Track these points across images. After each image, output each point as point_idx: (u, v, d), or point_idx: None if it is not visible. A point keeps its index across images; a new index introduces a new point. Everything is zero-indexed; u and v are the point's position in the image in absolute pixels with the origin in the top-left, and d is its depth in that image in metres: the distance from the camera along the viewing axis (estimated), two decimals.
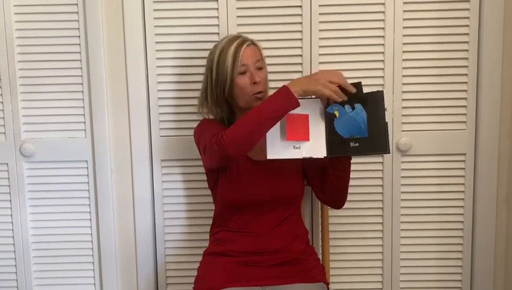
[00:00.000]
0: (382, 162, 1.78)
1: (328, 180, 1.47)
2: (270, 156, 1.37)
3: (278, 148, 1.37)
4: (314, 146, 1.38)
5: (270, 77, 1.69)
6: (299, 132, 1.37)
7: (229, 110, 1.52)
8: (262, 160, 1.48)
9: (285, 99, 1.30)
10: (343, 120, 1.37)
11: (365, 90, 1.37)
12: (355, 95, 1.36)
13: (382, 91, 1.34)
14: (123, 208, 1.83)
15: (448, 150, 1.77)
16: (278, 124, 1.34)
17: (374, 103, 1.34)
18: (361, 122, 1.35)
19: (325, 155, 1.38)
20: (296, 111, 1.35)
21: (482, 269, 1.80)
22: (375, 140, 1.33)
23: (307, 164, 1.52)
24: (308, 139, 1.38)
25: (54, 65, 1.77)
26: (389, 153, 1.34)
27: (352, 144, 1.36)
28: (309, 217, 1.80)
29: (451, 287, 1.84)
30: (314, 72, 1.38)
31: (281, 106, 1.29)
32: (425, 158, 1.78)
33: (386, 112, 1.33)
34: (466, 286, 1.83)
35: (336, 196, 1.50)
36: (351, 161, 1.45)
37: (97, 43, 1.74)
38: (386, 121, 1.33)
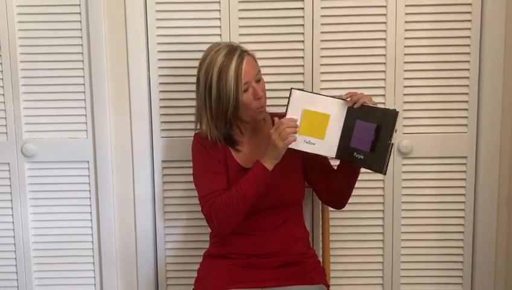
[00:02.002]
0: None
1: (335, 181, 1.46)
2: None
3: None
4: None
5: (272, 79, 1.70)
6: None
7: (226, 125, 1.45)
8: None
9: (265, 180, 1.37)
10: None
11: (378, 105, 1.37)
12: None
13: (397, 112, 1.30)
14: (124, 209, 1.83)
15: (449, 153, 1.77)
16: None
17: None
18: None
19: (334, 156, 1.38)
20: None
21: (483, 272, 1.80)
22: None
23: (310, 165, 1.52)
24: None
25: (55, 66, 1.77)
26: (384, 174, 1.33)
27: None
28: (309, 219, 1.80)
29: None
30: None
31: (262, 186, 1.37)
32: (427, 161, 1.78)
33: (395, 134, 1.29)
34: (467, 287, 1.82)
35: (340, 197, 1.49)
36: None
37: (99, 44, 1.75)
38: (392, 142, 1.29)
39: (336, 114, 1.37)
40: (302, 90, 1.41)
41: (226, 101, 1.37)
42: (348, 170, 1.43)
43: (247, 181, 1.37)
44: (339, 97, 1.39)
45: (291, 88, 1.39)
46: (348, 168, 1.42)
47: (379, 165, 1.30)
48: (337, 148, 1.38)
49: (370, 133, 1.32)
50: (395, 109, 1.31)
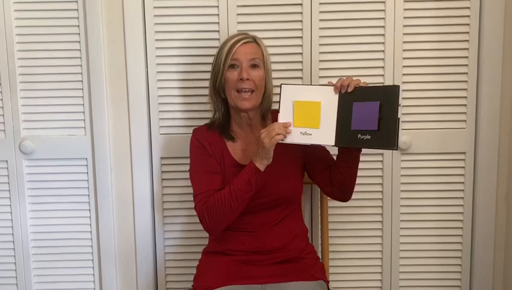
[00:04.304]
0: (382, 161, 1.78)
1: (337, 172, 1.44)
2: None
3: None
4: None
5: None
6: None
7: (224, 106, 1.51)
8: None
9: (257, 180, 1.37)
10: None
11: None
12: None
13: (398, 86, 1.30)
14: (123, 206, 1.83)
15: (448, 149, 1.77)
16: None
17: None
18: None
19: (333, 144, 1.36)
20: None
21: (481, 266, 1.80)
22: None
23: (311, 160, 1.51)
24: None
25: (53, 62, 1.77)
26: (396, 149, 1.31)
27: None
28: (308, 216, 1.80)
29: (450, 285, 1.84)
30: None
31: (255, 186, 1.38)
32: (425, 157, 1.78)
33: (400, 108, 1.29)
34: (465, 282, 1.83)
35: (344, 189, 1.47)
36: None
37: (97, 41, 1.74)
38: (398, 117, 1.29)
39: (327, 101, 1.36)
40: (292, 84, 1.42)
41: (215, 72, 1.46)
42: (348, 158, 1.41)
43: (240, 182, 1.38)
44: (328, 84, 1.38)
45: (281, 84, 1.40)
46: (347, 155, 1.41)
47: (390, 141, 1.29)
48: (336, 135, 1.35)
49: (374, 111, 1.30)
50: (395, 84, 1.30)
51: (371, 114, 1.31)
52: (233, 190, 1.38)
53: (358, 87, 1.34)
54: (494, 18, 1.69)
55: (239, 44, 1.43)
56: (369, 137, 1.31)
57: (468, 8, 1.70)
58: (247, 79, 1.41)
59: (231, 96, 1.45)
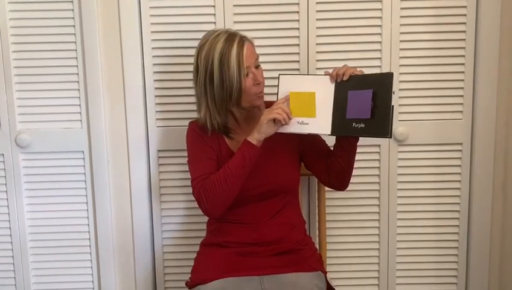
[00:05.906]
0: (379, 152, 1.78)
1: (334, 160, 1.44)
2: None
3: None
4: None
5: (267, 67, 1.68)
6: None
7: (227, 112, 1.46)
8: None
9: (250, 154, 1.37)
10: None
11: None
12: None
13: (392, 73, 1.28)
14: (120, 199, 1.83)
15: (445, 140, 1.77)
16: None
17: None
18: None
19: (329, 133, 1.37)
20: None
21: (478, 256, 1.81)
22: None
23: (307, 150, 1.51)
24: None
25: (49, 55, 1.75)
26: (390, 137, 1.30)
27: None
28: (306, 207, 1.81)
29: (447, 275, 1.86)
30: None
31: (248, 161, 1.37)
32: (422, 148, 1.78)
33: (393, 96, 1.28)
34: (462, 271, 1.85)
35: (341, 177, 1.47)
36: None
37: (92, 33, 1.73)
38: (392, 104, 1.28)
39: (322, 91, 1.37)
40: (289, 74, 1.42)
41: (229, 87, 1.38)
42: (345, 146, 1.41)
43: (233, 159, 1.38)
44: (324, 73, 1.38)
45: (279, 74, 1.41)
46: (345, 144, 1.41)
47: (383, 129, 1.28)
48: (332, 124, 1.36)
49: (367, 99, 1.30)
50: (389, 72, 1.30)
51: (364, 102, 1.31)
52: (228, 167, 1.37)
53: (354, 76, 1.34)
54: (491, 9, 1.68)
55: (244, 50, 1.38)
56: (363, 125, 1.31)
57: None
58: (262, 81, 1.42)
59: (248, 100, 1.42)
